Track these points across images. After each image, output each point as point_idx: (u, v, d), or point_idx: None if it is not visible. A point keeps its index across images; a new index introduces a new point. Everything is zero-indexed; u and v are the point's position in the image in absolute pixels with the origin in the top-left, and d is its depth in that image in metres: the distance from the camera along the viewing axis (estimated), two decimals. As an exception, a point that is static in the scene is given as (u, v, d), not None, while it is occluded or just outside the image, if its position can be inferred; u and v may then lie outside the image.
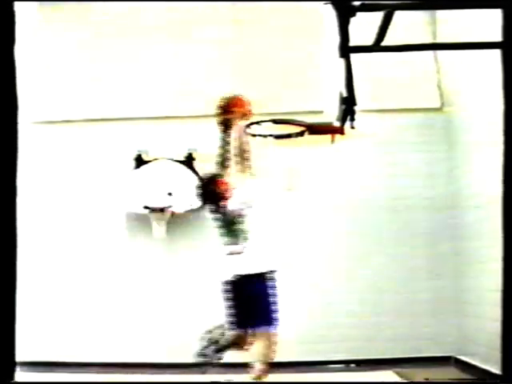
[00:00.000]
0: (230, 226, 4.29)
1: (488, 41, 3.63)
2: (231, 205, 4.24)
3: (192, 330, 6.92)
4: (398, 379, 6.03)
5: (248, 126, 4.53)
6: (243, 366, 4.71)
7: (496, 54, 3.19)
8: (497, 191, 3.93)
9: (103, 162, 7.23)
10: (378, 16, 2.98)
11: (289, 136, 4.53)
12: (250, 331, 4.35)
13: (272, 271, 4.33)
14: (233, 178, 4.25)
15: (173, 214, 6.95)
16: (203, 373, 4.47)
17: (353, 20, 3.04)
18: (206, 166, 7.05)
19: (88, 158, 7.28)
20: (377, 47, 3.04)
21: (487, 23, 4.03)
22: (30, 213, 6.83)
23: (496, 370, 4.75)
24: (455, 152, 6.86)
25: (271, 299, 4.34)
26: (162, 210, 6.92)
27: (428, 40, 6.81)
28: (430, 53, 7.07)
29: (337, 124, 3.77)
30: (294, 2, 7.08)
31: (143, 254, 7.10)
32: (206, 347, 4.52)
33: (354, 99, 3.15)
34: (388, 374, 6.20)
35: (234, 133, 4.25)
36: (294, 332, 6.70)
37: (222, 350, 4.54)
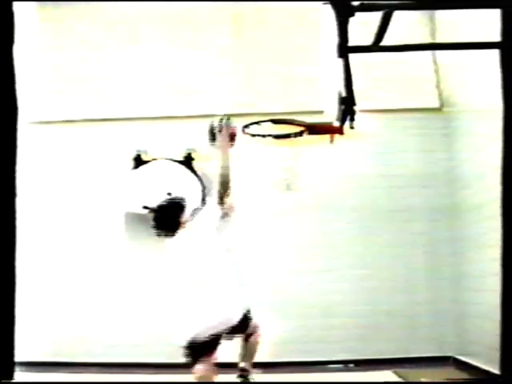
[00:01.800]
0: None
1: (487, 41, 3.63)
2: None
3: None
4: (398, 379, 6.03)
5: (247, 126, 4.52)
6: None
7: (495, 54, 3.20)
8: (496, 191, 3.94)
9: (102, 162, 7.23)
10: (377, 16, 2.98)
11: (288, 136, 4.52)
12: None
13: None
14: None
15: (172, 214, 6.95)
16: None
17: (352, 20, 3.05)
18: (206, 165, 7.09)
19: (87, 158, 7.28)
20: (376, 47, 3.04)
21: (486, 23, 4.04)
22: (29, 213, 6.83)
23: (495, 370, 4.75)
24: (454, 152, 6.86)
25: None
26: (161, 210, 6.92)
27: (427, 40, 6.81)
28: (428, 53, 7.07)
29: (336, 124, 3.77)
30: (294, 2, 7.08)
31: (142, 253, 7.09)
32: None
33: (353, 99, 3.16)
34: (387, 374, 6.19)
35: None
36: (294, 332, 6.71)
37: None
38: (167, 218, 3.90)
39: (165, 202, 4.01)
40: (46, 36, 7.48)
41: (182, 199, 4.02)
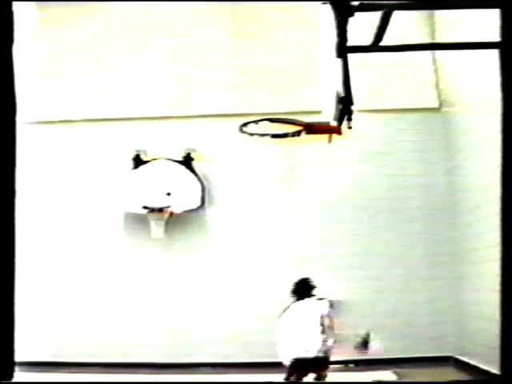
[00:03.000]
0: None
1: (486, 41, 3.62)
2: None
3: (190, 330, 6.95)
4: (398, 379, 6.03)
5: (245, 124, 4.51)
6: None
7: (494, 54, 3.19)
8: (495, 191, 3.93)
9: (102, 162, 7.24)
10: (377, 16, 2.98)
11: (286, 135, 4.51)
12: None
13: None
14: None
15: (171, 213, 6.95)
16: None
17: (351, 20, 3.04)
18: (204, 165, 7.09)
19: (87, 158, 7.29)
20: (375, 47, 3.04)
21: (486, 23, 4.03)
22: (29, 213, 6.83)
23: (495, 370, 4.75)
24: (453, 152, 6.86)
25: None
26: (160, 209, 6.92)
27: (426, 40, 6.81)
28: (428, 53, 7.07)
29: (334, 124, 3.76)
30: (293, 2, 7.08)
31: (142, 253, 7.10)
32: None
33: (351, 99, 3.15)
34: (387, 374, 6.19)
35: None
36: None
37: None
38: (306, 289, 5.31)
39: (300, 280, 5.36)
40: (45, 36, 7.48)
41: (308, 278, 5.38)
